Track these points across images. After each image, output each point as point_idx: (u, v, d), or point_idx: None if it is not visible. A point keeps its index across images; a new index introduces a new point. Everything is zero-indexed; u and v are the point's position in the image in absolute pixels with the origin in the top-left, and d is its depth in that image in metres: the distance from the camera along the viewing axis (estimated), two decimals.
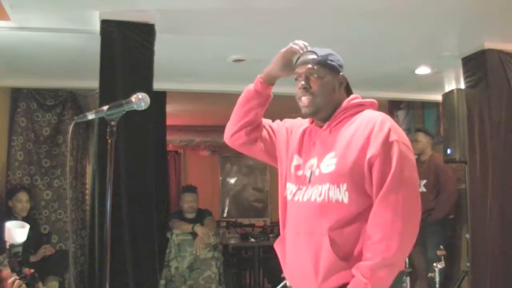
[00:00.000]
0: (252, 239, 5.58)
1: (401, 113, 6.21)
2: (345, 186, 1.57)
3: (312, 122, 1.78)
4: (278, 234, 1.78)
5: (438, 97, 4.81)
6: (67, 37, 3.65)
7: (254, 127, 1.86)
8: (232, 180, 8.94)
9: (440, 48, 4.04)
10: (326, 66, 1.69)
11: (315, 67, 1.68)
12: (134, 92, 1.72)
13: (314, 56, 1.69)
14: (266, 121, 1.91)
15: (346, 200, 1.57)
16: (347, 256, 1.56)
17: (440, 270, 3.91)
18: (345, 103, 1.71)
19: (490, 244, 3.69)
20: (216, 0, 3.12)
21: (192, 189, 4.93)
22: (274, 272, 4.88)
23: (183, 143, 8.26)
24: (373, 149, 1.56)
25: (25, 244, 2.56)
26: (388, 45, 3.95)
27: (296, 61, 1.75)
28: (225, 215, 8.66)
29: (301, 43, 1.76)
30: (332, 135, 1.68)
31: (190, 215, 4.80)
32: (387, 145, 1.55)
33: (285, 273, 1.73)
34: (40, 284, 3.50)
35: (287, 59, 1.77)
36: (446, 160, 4.23)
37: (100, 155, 3.11)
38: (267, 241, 5.49)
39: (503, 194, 3.73)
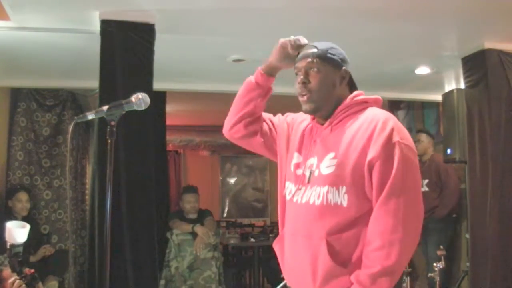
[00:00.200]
0: (252, 239, 5.58)
1: (401, 113, 6.21)
2: (344, 188, 1.52)
3: (313, 119, 1.72)
4: (278, 234, 1.76)
5: (438, 97, 4.81)
6: (67, 37, 3.65)
7: (253, 120, 1.81)
8: (232, 180, 8.94)
9: (440, 48, 4.04)
10: (326, 60, 1.62)
11: (314, 60, 1.62)
12: (134, 92, 1.73)
13: (314, 50, 1.64)
14: (266, 115, 1.87)
15: (345, 204, 1.51)
16: (346, 262, 1.51)
17: (440, 270, 3.91)
18: (347, 100, 1.64)
19: (490, 244, 3.69)
20: (216, 0, 3.12)
21: (193, 189, 4.93)
22: (274, 272, 4.88)
23: (183, 143, 8.26)
24: (373, 150, 1.50)
25: (25, 244, 2.55)
26: (388, 45, 3.94)
27: (298, 55, 1.69)
28: (225, 215, 8.66)
29: (301, 38, 1.72)
30: (333, 134, 1.62)
31: (192, 215, 4.80)
32: (388, 146, 1.49)
33: (283, 273, 1.70)
34: (40, 284, 3.50)
35: (286, 50, 1.72)
36: (446, 160, 4.23)
37: (100, 155, 3.11)
38: (267, 241, 5.49)
39: (503, 194, 3.73)
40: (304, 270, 1.56)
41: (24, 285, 2.19)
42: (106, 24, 3.18)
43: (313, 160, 1.63)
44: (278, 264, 1.73)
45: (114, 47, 3.17)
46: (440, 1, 3.15)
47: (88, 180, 5.26)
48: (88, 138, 5.43)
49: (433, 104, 5.65)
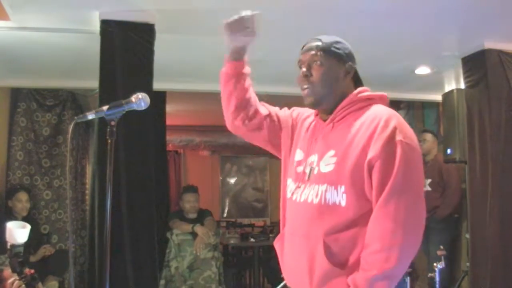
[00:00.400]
0: (252, 239, 5.58)
1: (401, 113, 6.16)
2: (343, 188, 1.48)
3: (317, 115, 1.68)
4: (278, 234, 1.74)
5: (438, 97, 4.81)
6: (67, 37, 3.65)
7: (248, 113, 1.76)
8: (232, 180, 8.94)
9: (440, 48, 4.04)
10: (330, 53, 1.59)
11: (318, 53, 1.58)
12: (134, 92, 1.72)
13: (319, 43, 1.60)
14: (273, 110, 1.82)
15: (343, 203, 1.47)
16: (343, 263, 1.47)
17: (440, 270, 3.91)
18: (351, 96, 1.59)
19: (490, 244, 3.69)
20: (216, 0, 3.12)
21: (193, 189, 4.93)
22: (274, 272, 4.88)
23: (183, 143, 8.25)
24: (374, 149, 1.45)
25: (25, 244, 2.56)
26: (388, 45, 3.94)
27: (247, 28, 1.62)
28: (225, 215, 8.66)
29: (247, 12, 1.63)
30: (334, 131, 1.58)
31: (192, 215, 4.80)
32: (390, 145, 1.44)
33: (283, 272, 1.68)
34: (40, 284, 3.50)
35: (228, 29, 1.64)
36: (446, 160, 4.24)
37: (100, 155, 3.11)
38: (267, 241, 5.49)
39: (503, 194, 3.73)
40: (302, 270, 1.53)
41: (23, 286, 2.19)
42: (106, 24, 3.18)
43: (314, 158, 1.60)
44: (278, 264, 1.71)
45: (114, 47, 3.17)
46: (440, 1, 3.15)
47: (88, 180, 5.26)
48: (88, 138, 5.43)
49: (433, 104, 5.66)
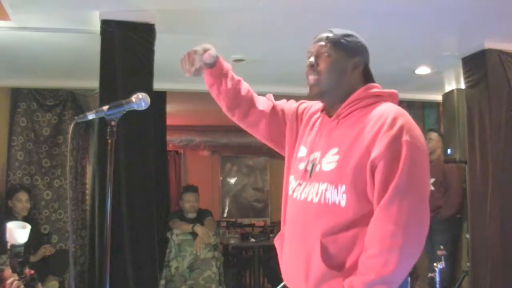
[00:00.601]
0: (252, 239, 5.58)
1: None
2: (343, 188, 1.42)
3: (323, 110, 1.63)
4: (278, 233, 1.73)
5: (438, 97, 4.82)
6: (67, 37, 3.65)
7: (242, 111, 1.74)
8: (232, 180, 8.94)
9: (440, 48, 4.04)
10: (339, 45, 1.54)
11: (327, 44, 1.54)
12: (134, 92, 1.72)
13: (329, 34, 1.56)
14: (279, 105, 1.78)
15: (343, 204, 1.42)
16: (340, 266, 1.41)
17: (440, 270, 3.91)
18: (358, 91, 1.53)
19: (490, 244, 3.69)
20: (216, 0, 3.12)
21: (193, 188, 4.93)
22: (274, 272, 4.87)
23: (183, 143, 8.25)
24: (378, 149, 1.38)
25: (25, 244, 2.56)
26: (388, 45, 3.94)
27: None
28: (225, 215, 8.66)
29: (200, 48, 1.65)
30: (339, 128, 1.53)
31: (191, 215, 4.80)
32: (395, 145, 1.37)
33: (281, 271, 1.64)
34: (39, 285, 3.50)
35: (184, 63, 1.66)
36: (446, 160, 4.24)
37: (100, 155, 3.11)
38: (267, 241, 5.49)
39: (503, 194, 3.73)
40: (298, 270, 1.49)
41: (22, 286, 2.19)
42: (106, 24, 3.18)
43: (316, 155, 1.55)
44: (279, 264, 1.68)
45: (114, 47, 3.17)
46: (440, 1, 3.15)
47: (88, 180, 5.27)
48: (88, 138, 5.43)
49: (433, 104, 5.66)
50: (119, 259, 2.98)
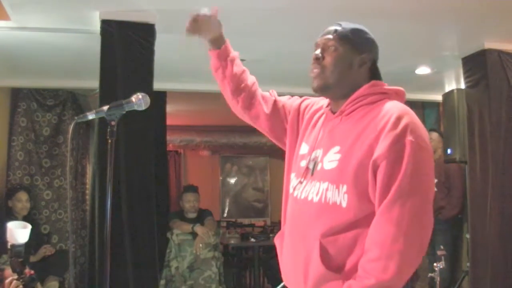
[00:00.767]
0: (252, 239, 5.58)
1: None
2: (345, 187, 1.38)
3: (327, 106, 1.59)
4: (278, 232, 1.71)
5: (438, 97, 4.82)
6: (67, 37, 3.65)
7: (245, 101, 1.74)
8: (232, 180, 8.95)
9: (440, 48, 4.04)
10: (346, 39, 1.50)
11: (335, 38, 1.50)
12: (134, 92, 1.72)
13: (337, 28, 1.52)
14: (281, 101, 1.75)
15: (344, 204, 1.37)
16: (339, 268, 1.38)
17: (440, 270, 3.91)
18: (363, 88, 1.49)
19: (490, 244, 3.69)
20: (216, 0, 3.12)
21: (193, 188, 4.93)
22: (274, 272, 4.87)
23: (183, 143, 8.26)
24: (380, 149, 1.33)
25: (25, 244, 2.55)
26: (388, 45, 3.91)
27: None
28: (225, 215, 8.67)
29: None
30: (342, 125, 1.48)
31: (192, 215, 4.80)
32: (398, 145, 1.32)
33: (281, 270, 1.61)
34: (38, 285, 3.49)
35: (190, 28, 1.73)
36: (446, 160, 4.24)
37: (100, 155, 3.11)
38: (267, 241, 5.49)
39: (503, 194, 3.73)
40: (297, 271, 1.46)
41: (21, 286, 2.18)
42: (106, 24, 3.18)
43: (318, 152, 1.50)
44: (279, 264, 1.66)
45: (114, 47, 3.17)
46: (440, 1, 3.15)
47: (88, 180, 5.27)
48: (88, 138, 5.44)
49: (433, 104, 5.66)
50: (119, 259, 2.98)
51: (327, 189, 1.42)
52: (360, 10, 3.25)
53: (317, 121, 1.61)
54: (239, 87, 1.74)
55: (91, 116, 1.67)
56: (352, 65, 1.50)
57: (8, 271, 2.30)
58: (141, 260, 3.12)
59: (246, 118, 1.80)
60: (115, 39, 3.17)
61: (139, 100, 1.69)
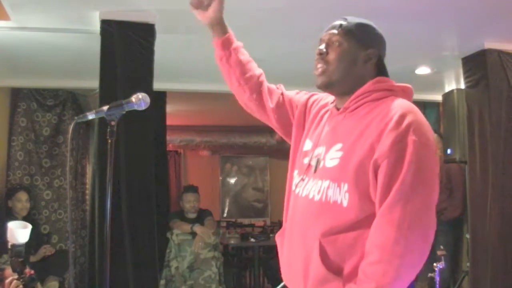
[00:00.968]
0: (252, 239, 5.58)
1: None
2: (346, 186, 1.34)
3: (333, 102, 1.55)
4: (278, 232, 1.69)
5: (438, 97, 4.82)
6: (67, 37, 3.65)
7: (252, 93, 1.70)
8: (232, 180, 8.94)
9: (440, 48, 4.04)
10: (351, 34, 1.46)
11: (339, 33, 1.47)
12: (134, 92, 1.72)
13: (342, 22, 1.49)
14: (288, 94, 1.72)
15: (345, 203, 1.34)
16: (339, 269, 1.34)
17: (440, 270, 3.91)
18: (368, 84, 1.44)
19: (490, 244, 3.69)
20: None
21: (193, 189, 4.94)
22: (274, 272, 4.87)
23: (183, 143, 8.26)
24: (382, 148, 1.29)
25: (25, 244, 2.55)
26: (388, 45, 3.93)
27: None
28: (225, 215, 8.67)
29: None
30: (345, 122, 1.44)
31: (192, 215, 4.80)
32: (400, 145, 1.28)
33: (281, 269, 1.58)
34: (38, 285, 3.49)
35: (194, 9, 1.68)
36: (446, 160, 4.24)
37: (100, 155, 3.11)
38: (267, 241, 5.50)
39: (503, 194, 3.73)
40: (297, 270, 1.44)
41: (21, 286, 2.18)
42: (106, 24, 3.18)
43: (321, 149, 1.47)
44: (279, 264, 1.63)
45: (114, 47, 3.17)
46: (440, 1, 3.15)
47: (88, 180, 5.27)
48: (88, 138, 5.44)
49: (433, 104, 5.65)
50: (119, 259, 2.98)
51: (328, 188, 1.39)
52: (360, 10, 3.24)
53: (322, 117, 1.58)
54: (245, 75, 1.70)
55: (91, 116, 1.67)
56: (357, 61, 1.46)
57: (9, 270, 2.30)
58: (141, 260, 3.12)
59: (253, 110, 1.76)
60: (115, 39, 3.17)
61: (139, 100, 1.68)
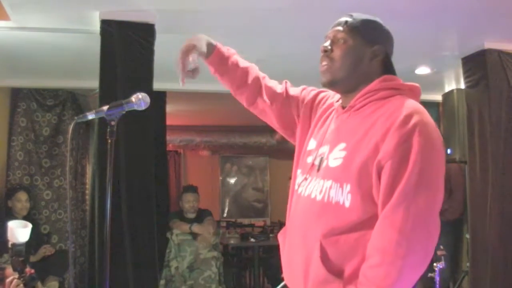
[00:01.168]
0: (252, 239, 5.59)
1: None
2: (348, 187, 1.31)
3: (338, 101, 1.52)
4: (278, 233, 1.68)
5: (438, 97, 4.82)
6: (67, 37, 3.65)
7: (250, 96, 1.68)
8: (232, 180, 8.94)
9: (440, 48, 4.04)
10: (357, 31, 1.43)
11: (345, 30, 1.44)
12: (134, 92, 1.72)
13: (348, 19, 1.47)
14: (293, 91, 1.68)
15: (347, 204, 1.31)
16: (340, 271, 1.32)
17: (440, 270, 3.91)
18: (375, 82, 1.41)
19: (490, 244, 3.69)
20: (216, 0, 3.12)
21: (193, 189, 4.94)
22: (274, 272, 4.87)
23: (183, 143, 8.26)
24: (386, 148, 1.26)
25: (26, 244, 2.56)
26: None
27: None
28: (225, 215, 8.66)
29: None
30: (349, 121, 1.41)
31: (191, 215, 4.81)
32: (405, 145, 1.25)
33: (282, 267, 1.56)
34: (39, 284, 3.49)
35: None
36: (446, 161, 4.23)
37: (100, 155, 3.11)
38: (267, 241, 5.50)
39: (503, 194, 3.73)
40: (297, 270, 1.42)
41: (21, 285, 2.19)
42: (106, 24, 3.18)
43: (325, 149, 1.44)
44: (279, 264, 1.63)
45: (114, 47, 3.17)
46: (440, 1, 3.15)
47: (88, 180, 5.27)
48: (88, 138, 5.44)
49: (433, 104, 5.65)
50: (119, 259, 2.98)
51: (330, 188, 1.36)
52: (360, 10, 3.25)
53: (328, 116, 1.54)
54: (240, 88, 1.69)
55: (91, 116, 1.67)
56: (363, 58, 1.43)
57: (9, 270, 2.30)
58: (141, 260, 3.12)
59: (253, 112, 1.76)
60: (115, 39, 3.17)
61: (139, 100, 1.68)
